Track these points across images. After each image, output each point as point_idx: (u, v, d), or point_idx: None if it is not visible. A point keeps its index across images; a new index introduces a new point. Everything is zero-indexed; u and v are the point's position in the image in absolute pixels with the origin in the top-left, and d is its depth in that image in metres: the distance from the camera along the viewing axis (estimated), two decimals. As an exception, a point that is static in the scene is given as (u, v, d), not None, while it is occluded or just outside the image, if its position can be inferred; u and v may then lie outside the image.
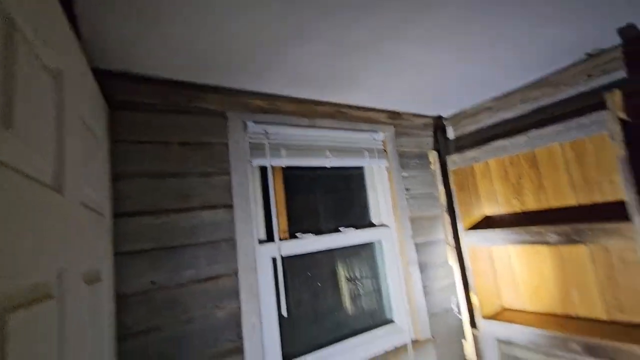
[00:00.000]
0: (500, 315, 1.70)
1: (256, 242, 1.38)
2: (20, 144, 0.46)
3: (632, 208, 1.08)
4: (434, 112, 2.11)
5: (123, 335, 1.06)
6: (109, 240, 1.04)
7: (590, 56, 1.50)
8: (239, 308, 1.26)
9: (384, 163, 1.87)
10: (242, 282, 1.29)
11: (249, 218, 1.36)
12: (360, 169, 1.91)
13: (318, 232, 1.62)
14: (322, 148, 1.67)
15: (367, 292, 1.77)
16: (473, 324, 1.65)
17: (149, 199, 1.19)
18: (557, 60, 1.53)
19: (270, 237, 1.48)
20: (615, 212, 1.35)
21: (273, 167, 1.56)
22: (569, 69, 1.58)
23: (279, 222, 1.53)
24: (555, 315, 1.59)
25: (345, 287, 1.70)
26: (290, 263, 1.54)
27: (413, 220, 1.89)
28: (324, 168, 1.72)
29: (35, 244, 0.48)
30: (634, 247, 1.34)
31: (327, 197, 1.76)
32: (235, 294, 1.27)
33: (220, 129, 1.39)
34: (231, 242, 1.31)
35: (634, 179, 1.07)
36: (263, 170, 1.53)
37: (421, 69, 1.45)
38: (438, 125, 2.18)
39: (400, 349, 1.63)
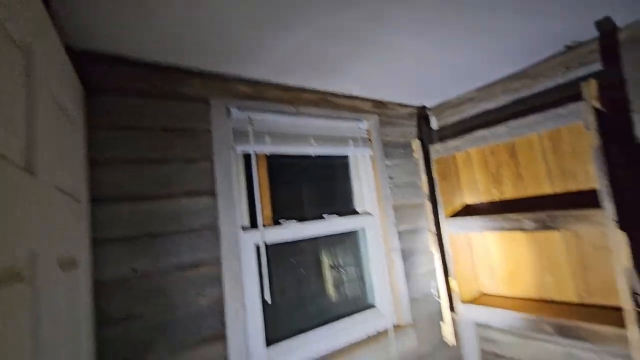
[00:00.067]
0: (478, 299, 1.76)
1: (239, 229, 1.38)
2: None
3: (603, 195, 1.13)
4: (418, 102, 2.13)
5: (103, 322, 1.04)
6: (87, 226, 1.02)
7: (569, 48, 1.53)
8: (222, 295, 1.26)
9: (368, 152, 1.88)
10: (225, 269, 1.29)
11: (232, 205, 1.35)
12: (344, 158, 1.92)
13: (302, 219, 1.62)
14: (307, 136, 1.66)
15: (350, 279, 1.79)
16: (452, 308, 1.70)
17: (130, 185, 1.16)
18: (537, 52, 1.56)
19: (254, 224, 1.47)
20: (588, 199, 1.41)
21: (257, 154, 1.54)
22: (548, 60, 1.62)
23: (263, 209, 1.53)
24: (530, 299, 1.66)
25: (328, 274, 1.72)
26: (274, 250, 1.54)
27: (396, 209, 1.91)
28: (309, 156, 1.71)
29: (3, 225, 0.46)
30: (603, 233, 1.41)
31: (311, 185, 1.76)
32: (218, 281, 1.27)
33: (204, 115, 1.36)
34: (214, 229, 1.30)
35: (606, 167, 1.11)
36: (247, 157, 1.52)
37: (406, 58, 1.45)
38: (422, 115, 2.20)
39: (382, 334, 1.66)
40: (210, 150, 1.35)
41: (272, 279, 1.51)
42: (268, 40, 1.20)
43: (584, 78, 1.47)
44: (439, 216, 1.78)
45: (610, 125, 1.35)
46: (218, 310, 1.25)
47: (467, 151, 1.92)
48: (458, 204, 1.89)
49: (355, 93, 1.83)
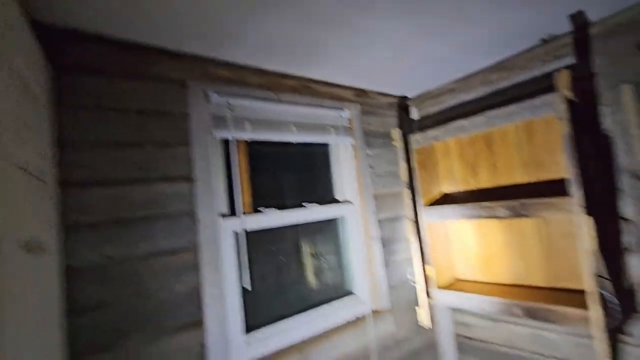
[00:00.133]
0: (453, 285, 1.81)
1: (218, 215, 1.36)
2: None
3: (571, 183, 1.18)
4: (399, 92, 2.14)
5: (74, 309, 1.01)
6: (55, 210, 0.97)
7: (544, 42, 1.57)
8: (200, 282, 1.25)
9: (349, 140, 1.88)
10: (203, 256, 1.27)
11: (210, 191, 1.33)
12: (325, 146, 1.91)
13: (282, 207, 1.61)
14: (288, 123, 1.64)
15: (330, 266, 1.81)
16: (428, 294, 1.75)
17: (103, 168, 1.12)
18: (515, 44, 1.59)
19: (233, 211, 1.45)
20: (558, 188, 1.47)
21: (237, 141, 1.52)
22: (525, 53, 1.66)
23: (243, 197, 1.51)
24: (502, 285, 1.73)
25: (308, 262, 1.73)
26: (254, 237, 1.53)
27: (376, 197, 1.93)
28: (290, 144, 1.70)
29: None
30: (571, 220, 1.47)
31: (292, 173, 1.75)
32: (195, 267, 1.25)
33: (181, 98, 1.32)
34: (192, 215, 1.27)
35: (575, 156, 1.16)
36: (226, 143, 1.49)
37: (386, 46, 1.45)
38: (402, 105, 2.22)
39: (360, 319, 1.70)
40: (188, 135, 1.31)
41: (252, 266, 1.50)
42: (248, 23, 1.17)
43: (558, 71, 1.51)
44: (418, 205, 1.81)
45: (581, 117, 1.41)
46: (196, 297, 1.23)
47: (446, 142, 1.95)
48: (436, 193, 1.93)
49: (336, 81, 1.82)
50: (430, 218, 1.76)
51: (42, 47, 0.98)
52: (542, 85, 1.59)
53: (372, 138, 1.99)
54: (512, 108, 1.45)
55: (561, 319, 1.33)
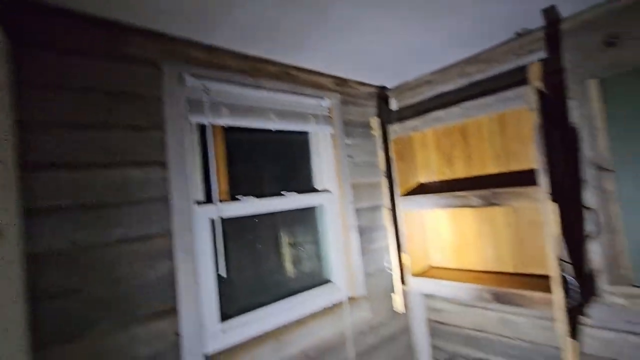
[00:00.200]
0: (427, 272, 1.86)
1: (193, 202, 1.33)
2: None
3: (539, 173, 1.23)
4: (378, 82, 2.15)
5: (38, 297, 0.96)
6: (14, 193, 0.92)
7: (519, 35, 1.62)
8: (173, 269, 1.22)
9: (329, 130, 1.88)
10: (177, 243, 1.24)
11: (185, 177, 1.29)
12: (305, 135, 1.90)
13: (260, 195, 1.60)
14: (267, 110, 1.62)
15: (307, 255, 1.82)
16: (403, 281, 1.79)
17: (68, 151, 1.06)
18: (490, 37, 1.63)
19: (209, 199, 1.43)
20: (527, 178, 1.52)
21: (213, 126, 1.48)
22: (500, 46, 1.70)
23: (219, 184, 1.48)
24: (473, 271, 1.79)
25: (286, 250, 1.73)
26: (231, 225, 1.51)
27: (355, 187, 1.95)
28: (269, 132, 1.68)
29: None
30: (539, 209, 1.54)
31: (271, 161, 1.74)
32: (169, 254, 1.22)
33: (154, 80, 1.27)
34: (165, 201, 1.24)
35: (544, 146, 1.20)
36: (203, 129, 1.45)
37: (367, 34, 1.45)
38: (382, 95, 2.23)
39: (337, 305, 1.72)
40: (162, 119, 1.27)
41: (229, 254, 1.48)
42: (226, 4, 1.13)
43: (531, 64, 1.56)
44: (395, 194, 1.84)
45: (551, 110, 1.46)
46: (169, 284, 1.20)
47: (424, 133, 1.98)
48: (413, 183, 1.97)
49: (317, 68, 1.80)
50: (407, 207, 1.80)
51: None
52: (516, 79, 1.63)
53: (351, 128, 2.00)
54: (486, 100, 1.49)
55: (527, 302, 1.39)
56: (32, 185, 0.99)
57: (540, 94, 1.21)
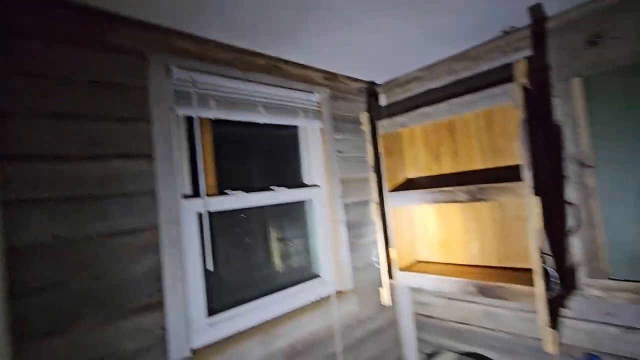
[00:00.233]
0: (414, 267, 1.89)
1: (180, 196, 1.31)
2: None
3: (524, 168, 1.25)
4: (368, 78, 2.16)
5: (19, 292, 0.94)
6: (-6, 185, 0.89)
7: (506, 33, 1.64)
8: (160, 263, 1.21)
9: (318, 124, 1.88)
10: (164, 237, 1.22)
11: (172, 170, 1.28)
12: (294, 129, 1.89)
13: (249, 189, 1.59)
14: (256, 104, 1.60)
15: (296, 249, 1.82)
16: (391, 275, 1.81)
17: (50, 142, 1.04)
18: (478, 35, 1.65)
19: (196, 192, 1.41)
20: (512, 173, 1.55)
21: (201, 119, 1.46)
22: (487, 44, 1.72)
23: (207, 177, 1.46)
24: (459, 265, 1.82)
25: (274, 244, 1.72)
26: (220, 219, 1.50)
27: (344, 182, 1.95)
28: (258, 125, 1.66)
29: None
30: (523, 205, 1.57)
31: (259, 155, 1.73)
32: (155, 248, 1.20)
33: (140, 71, 1.25)
34: (151, 194, 1.22)
35: (528, 142, 1.23)
36: (190, 121, 1.43)
37: (358, 29, 1.45)
38: (371, 91, 2.24)
39: (325, 299, 1.73)
40: (148, 111, 1.25)
41: (217, 249, 1.47)
42: (213, -7, 1.12)
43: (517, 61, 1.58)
44: (383, 190, 1.85)
45: (535, 107, 1.49)
46: (155, 278, 1.19)
47: (412, 129, 2.00)
48: (401, 178, 1.99)
49: (307, 62, 1.80)
50: (395, 202, 1.81)
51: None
52: (503, 76, 1.66)
53: (341, 123, 2.00)
54: (473, 96, 1.50)
55: (510, 295, 1.43)
56: (12, 176, 0.96)
57: (526, 91, 1.23)
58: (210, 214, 1.44)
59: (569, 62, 1.48)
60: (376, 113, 2.22)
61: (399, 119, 1.78)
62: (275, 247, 1.72)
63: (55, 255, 1.00)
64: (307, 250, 1.87)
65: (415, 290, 2.14)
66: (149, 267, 1.18)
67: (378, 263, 1.94)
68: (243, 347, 1.36)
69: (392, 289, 1.84)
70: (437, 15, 1.41)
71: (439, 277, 1.66)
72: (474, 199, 1.51)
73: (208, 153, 1.50)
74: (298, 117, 1.77)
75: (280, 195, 1.70)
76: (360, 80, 2.17)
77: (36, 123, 1.01)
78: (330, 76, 1.97)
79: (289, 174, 1.86)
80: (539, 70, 1.55)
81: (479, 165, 1.74)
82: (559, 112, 1.51)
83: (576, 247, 1.49)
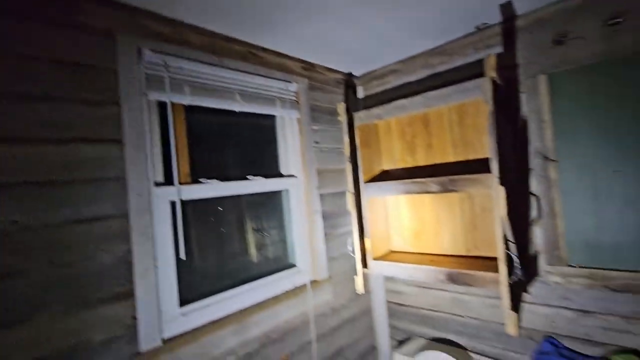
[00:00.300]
0: (388, 256, 1.93)
1: (152, 183, 1.27)
2: None
3: (491, 159, 1.31)
4: (346, 69, 2.17)
5: (-26, 281, 0.89)
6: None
7: (479, 30, 1.69)
8: (130, 251, 1.17)
9: (295, 114, 1.87)
10: (134, 225, 1.19)
11: (143, 157, 1.24)
12: (271, 119, 1.88)
13: (224, 179, 1.57)
14: (232, 91, 1.58)
15: (272, 239, 1.82)
16: (365, 264, 1.85)
17: (10, 124, 0.98)
18: (453, 30, 1.69)
19: (169, 180, 1.38)
20: (481, 166, 1.62)
21: (175, 106, 1.42)
22: (461, 39, 1.77)
23: (180, 165, 1.43)
24: (431, 255, 1.88)
25: (250, 234, 1.72)
26: (194, 208, 1.47)
27: (320, 173, 1.96)
28: (234, 114, 1.64)
29: None
30: (491, 197, 1.64)
31: (236, 144, 1.70)
32: (125, 236, 1.17)
33: (108, 52, 1.19)
34: (121, 181, 1.18)
35: (496, 135, 1.28)
36: (163, 107, 1.39)
37: (336, 19, 1.45)
38: (349, 83, 2.25)
39: (300, 288, 1.74)
40: (117, 94, 1.20)
41: (191, 238, 1.45)
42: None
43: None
44: (359, 181, 1.87)
45: (504, 102, 1.55)
46: (124, 266, 1.16)
47: (388, 122, 2.03)
48: (377, 170, 2.02)
49: (285, 51, 1.78)
50: (370, 193, 1.84)
51: None
52: (475, 71, 1.71)
53: (318, 114, 2.00)
54: (447, 90, 1.54)
55: (477, 282, 1.49)
56: (-34, 159, 0.90)
57: (495, 85, 1.28)
58: (184, 202, 1.41)
59: (537, 60, 1.55)
60: (353, 105, 2.23)
61: (376, 110, 1.81)
62: (250, 236, 1.72)
63: (14, 242, 0.96)
64: (282, 240, 1.87)
65: (389, 279, 2.19)
66: (118, 255, 1.15)
67: (353, 252, 1.98)
68: (216, 335, 1.36)
69: (366, 278, 1.88)
70: (414, 9, 1.43)
71: (411, 265, 1.71)
72: (445, 190, 1.56)
73: (182, 140, 1.47)
74: (275, 106, 1.76)
75: (257, 184, 1.69)
76: (339, 72, 2.17)
77: (-7, 103, 0.95)
78: (309, 66, 1.96)
79: (266, 163, 1.84)
80: (508, 67, 1.61)
81: (451, 158, 1.79)
82: (526, 107, 1.58)
83: (538, 236, 1.58)
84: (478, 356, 1.81)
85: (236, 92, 1.59)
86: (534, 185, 1.58)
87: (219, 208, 1.58)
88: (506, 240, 1.27)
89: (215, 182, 1.52)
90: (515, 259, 1.32)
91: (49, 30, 1.07)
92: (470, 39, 1.73)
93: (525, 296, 1.63)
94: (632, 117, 1.36)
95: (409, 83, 2.00)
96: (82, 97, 1.12)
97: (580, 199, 1.49)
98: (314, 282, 1.82)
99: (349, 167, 1.81)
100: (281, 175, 1.87)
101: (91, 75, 1.15)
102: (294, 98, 1.87)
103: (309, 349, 1.76)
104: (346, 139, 1.77)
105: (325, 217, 1.96)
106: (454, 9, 1.46)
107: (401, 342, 2.13)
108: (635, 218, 1.38)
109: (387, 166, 2.06)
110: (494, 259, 1.62)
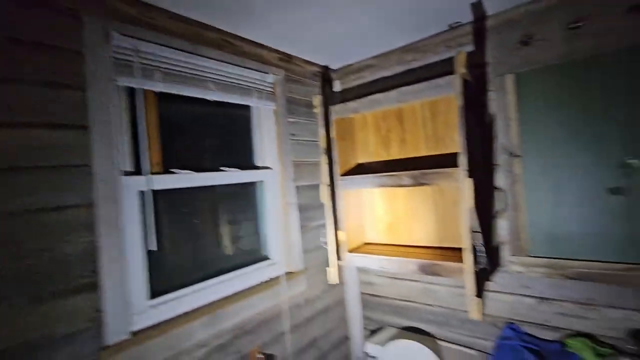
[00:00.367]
0: (362, 248, 1.97)
1: (119, 172, 1.23)
2: None
3: (460, 154, 1.36)
4: (323, 62, 2.17)
5: None
6: None
7: (451, 28, 1.74)
8: (95, 242, 1.13)
9: (271, 106, 1.86)
10: (100, 215, 1.15)
11: (110, 144, 1.19)
12: (247, 110, 1.86)
13: (198, 169, 1.54)
14: (206, 80, 1.54)
15: (246, 231, 1.81)
16: (339, 257, 1.87)
17: (-40, 106, 0.92)
18: (427, 27, 1.73)
19: (139, 169, 1.34)
20: (452, 160, 1.67)
21: (146, 93, 1.38)
22: (434, 37, 1.81)
23: (151, 154, 1.39)
24: (403, 246, 1.94)
25: (224, 226, 1.70)
26: (166, 199, 1.44)
27: (296, 165, 1.97)
28: (209, 104, 1.60)
29: None
30: (460, 189, 1.70)
31: (210, 135, 1.67)
32: (90, 226, 1.13)
33: (72, 33, 1.14)
34: (86, 169, 1.13)
35: (465, 130, 1.33)
36: (133, 93, 1.34)
37: (314, 9, 1.44)
38: (326, 76, 2.25)
39: (274, 280, 1.75)
40: (83, 78, 1.15)
41: (162, 229, 1.42)
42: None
43: (460, 56, 1.69)
44: (335, 174, 1.89)
45: (473, 99, 1.61)
46: (90, 257, 1.12)
47: (364, 116, 2.06)
48: (352, 163, 2.04)
49: (261, 41, 1.76)
50: (346, 186, 1.87)
51: None
52: (447, 69, 1.76)
53: (295, 106, 2.00)
54: (420, 86, 1.58)
55: (445, 272, 1.55)
56: None
57: (465, 82, 1.33)
58: (156, 193, 1.38)
59: (505, 59, 1.61)
60: (330, 98, 2.24)
61: (352, 104, 1.82)
62: (224, 228, 1.70)
63: (-32, 232, 0.90)
64: (257, 232, 1.86)
65: (362, 270, 2.24)
66: (83, 246, 1.11)
67: (326, 245, 2.00)
68: (188, 327, 1.34)
69: (340, 270, 1.90)
70: (389, 4, 1.45)
71: (384, 257, 1.75)
72: (417, 183, 1.61)
73: (153, 129, 1.43)
74: (251, 97, 1.74)
75: (231, 176, 1.67)
76: (316, 64, 2.17)
77: (-58, 81, 0.89)
78: (286, 57, 1.95)
79: (241, 154, 1.82)
80: (478, 65, 1.67)
81: (423, 152, 1.84)
82: (494, 105, 1.65)
83: (502, 227, 1.66)
84: (446, 343, 1.89)
85: (210, 80, 1.56)
86: (500, 179, 1.65)
87: (192, 198, 1.55)
88: (472, 231, 1.33)
89: (188, 172, 1.49)
90: (481, 249, 1.38)
91: (9, 7, 1.00)
92: (442, 37, 1.78)
93: (489, 284, 1.71)
94: (592, 117, 1.45)
95: (385, 78, 2.03)
96: (43, 79, 1.06)
97: (543, 193, 1.58)
98: (288, 274, 1.83)
99: (324, 160, 1.82)
100: (256, 167, 1.85)
101: (55, 57, 1.09)
102: (271, 89, 1.86)
103: (283, 339, 1.77)
104: (322, 132, 1.78)
105: (301, 209, 1.97)
106: (429, 7, 1.50)
107: (373, 332, 2.19)
108: (590, 211, 1.48)
109: (362, 159, 2.09)
110: (462, 250, 1.69)
